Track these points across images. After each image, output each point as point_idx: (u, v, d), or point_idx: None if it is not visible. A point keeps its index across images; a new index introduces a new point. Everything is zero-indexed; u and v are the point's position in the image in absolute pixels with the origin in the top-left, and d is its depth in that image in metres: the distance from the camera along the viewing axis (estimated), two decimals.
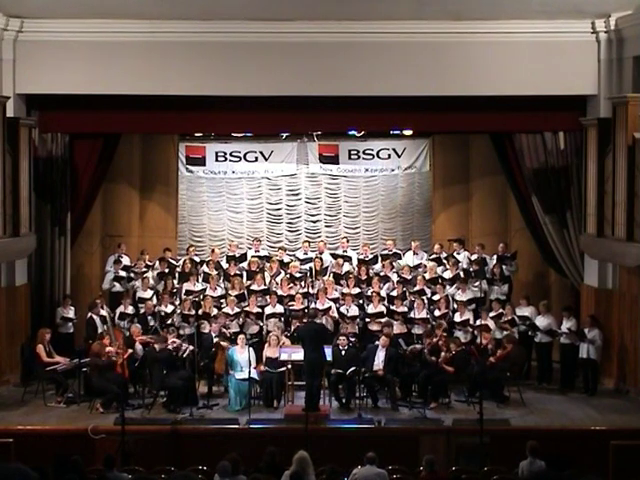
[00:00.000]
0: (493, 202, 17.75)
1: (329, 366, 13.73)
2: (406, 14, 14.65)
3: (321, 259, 16.46)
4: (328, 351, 13.62)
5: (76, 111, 15.32)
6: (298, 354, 13.58)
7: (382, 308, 15.18)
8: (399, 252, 16.93)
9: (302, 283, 15.90)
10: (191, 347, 14.12)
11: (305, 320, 14.09)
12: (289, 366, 13.76)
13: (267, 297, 15.50)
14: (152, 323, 15.11)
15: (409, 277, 15.93)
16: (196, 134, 17.66)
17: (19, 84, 14.94)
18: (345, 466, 10.15)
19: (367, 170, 18.12)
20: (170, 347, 13.92)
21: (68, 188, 15.84)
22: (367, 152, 18.03)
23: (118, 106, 15.13)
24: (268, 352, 14.15)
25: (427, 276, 15.89)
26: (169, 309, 15.30)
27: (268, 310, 15.22)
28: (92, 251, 17.21)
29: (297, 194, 18.22)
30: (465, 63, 14.94)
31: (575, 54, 14.95)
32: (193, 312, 14.86)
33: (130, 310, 15.43)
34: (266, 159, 17.97)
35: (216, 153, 17.95)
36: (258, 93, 14.96)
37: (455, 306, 15.40)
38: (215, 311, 15.06)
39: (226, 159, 17.96)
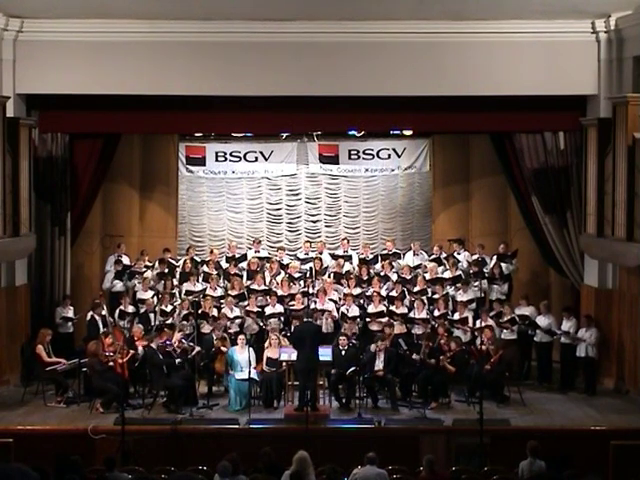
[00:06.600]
0: (493, 202, 17.75)
1: (329, 366, 13.73)
2: (406, 14, 14.65)
3: (321, 259, 16.47)
4: (323, 351, 13.61)
5: (76, 111, 15.32)
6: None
7: (383, 308, 15.19)
8: (399, 252, 16.94)
9: (301, 283, 15.91)
10: (198, 348, 14.12)
11: (303, 320, 14.06)
12: (284, 365, 13.77)
13: (267, 297, 15.50)
14: (153, 323, 15.09)
15: (408, 277, 15.94)
16: (196, 134, 17.66)
17: (19, 84, 14.95)
18: (345, 466, 10.17)
19: (367, 170, 18.12)
20: (177, 349, 13.90)
21: (68, 188, 15.85)
22: (367, 152, 18.03)
23: (118, 106, 15.14)
24: (269, 352, 14.15)
25: (427, 276, 15.90)
26: (169, 309, 15.28)
27: (268, 310, 15.22)
28: (92, 251, 17.18)
29: (297, 194, 18.22)
30: (465, 63, 14.94)
31: (575, 54, 14.96)
32: (192, 312, 14.87)
33: (130, 309, 15.43)
34: (266, 159, 17.97)
35: (216, 153, 17.95)
36: (258, 93, 14.95)
37: (454, 306, 15.39)
38: (215, 311, 15.04)
39: (226, 159, 17.96)
